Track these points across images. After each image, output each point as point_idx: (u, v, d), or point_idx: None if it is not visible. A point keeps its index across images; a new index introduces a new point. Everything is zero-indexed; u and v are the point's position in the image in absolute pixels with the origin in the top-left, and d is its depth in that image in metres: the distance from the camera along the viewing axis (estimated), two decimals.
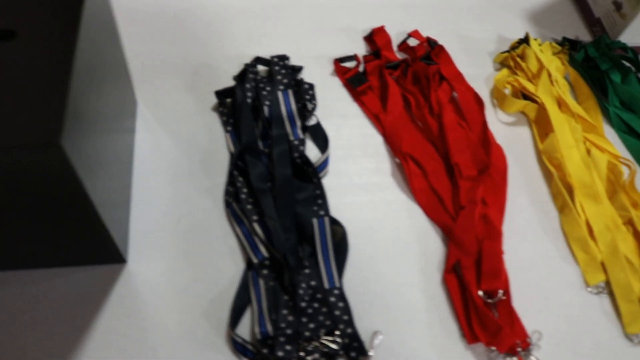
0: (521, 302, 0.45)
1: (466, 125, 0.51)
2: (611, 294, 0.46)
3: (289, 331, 0.40)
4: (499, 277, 0.43)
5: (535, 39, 0.56)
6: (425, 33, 0.57)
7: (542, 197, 0.50)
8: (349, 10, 0.59)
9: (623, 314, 0.45)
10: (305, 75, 0.53)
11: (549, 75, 0.52)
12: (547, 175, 0.51)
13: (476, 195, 0.46)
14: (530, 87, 0.53)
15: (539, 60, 0.53)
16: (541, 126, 0.52)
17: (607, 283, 0.46)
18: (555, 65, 0.54)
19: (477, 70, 0.56)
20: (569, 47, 0.58)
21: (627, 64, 0.57)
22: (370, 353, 0.41)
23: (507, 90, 0.55)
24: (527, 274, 0.46)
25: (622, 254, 0.47)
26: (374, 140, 0.50)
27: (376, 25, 0.57)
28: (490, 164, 0.48)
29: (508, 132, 0.53)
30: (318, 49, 0.55)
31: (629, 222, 0.49)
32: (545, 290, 0.46)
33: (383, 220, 0.47)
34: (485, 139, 0.49)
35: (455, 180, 0.47)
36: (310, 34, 0.56)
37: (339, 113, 0.52)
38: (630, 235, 0.48)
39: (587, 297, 0.47)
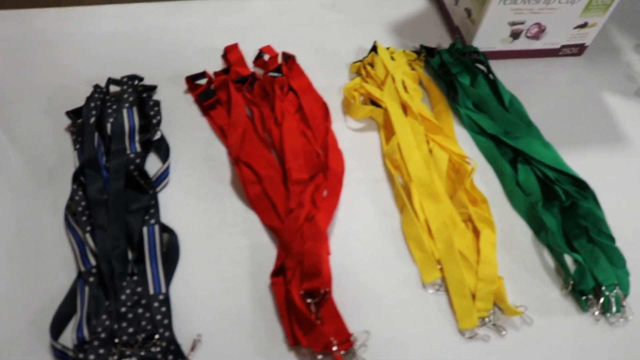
0: (355, 303, 0.45)
1: (311, 133, 0.52)
2: (447, 291, 0.46)
3: (103, 335, 0.40)
4: (319, 276, 0.43)
5: (388, 48, 0.58)
6: (287, 48, 0.59)
7: (385, 199, 0.50)
8: (211, 32, 0.61)
9: (456, 309, 0.45)
10: (161, 94, 0.55)
11: (394, 80, 0.54)
12: (392, 178, 0.51)
13: (304, 199, 0.47)
14: (376, 93, 0.54)
15: (385, 67, 0.55)
16: (387, 130, 0.53)
17: (445, 280, 0.47)
18: (403, 70, 0.55)
19: (334, 81, 0.57)
20: (425, 54, 0.60)
21: (482, 66, 0.58)
22: (190, 357, 0.42)
23: (362, 98, 0.56)
24: (363, 274, 0.46)
25: (457, 251, 0.47)
26: (217, 151, 0.52)
27: (242, 44, 0.59)
28: (327, 168, 0.49)
29: (356, 138, 0.54)
30: (176, 69, 0.57)
31: (469, 219, 0.49)
32: (381, 289, 0.46)
33: (219, 226, 0.47)
34: (325, 145, 0.51)
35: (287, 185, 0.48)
36: (169, 55, 0.58)
37: (187, 127, 0.53)
38: (469, 232, 0.48)
39: (423, 296, 0.46)
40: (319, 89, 0.56)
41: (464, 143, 0.55)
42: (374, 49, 0.57)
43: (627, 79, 0.63)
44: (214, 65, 0.58)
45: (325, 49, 0.60)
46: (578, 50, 0.62)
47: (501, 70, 0.60)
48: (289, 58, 0.57)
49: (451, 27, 0.63)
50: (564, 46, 0.61)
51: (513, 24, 0.57)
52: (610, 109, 0.60)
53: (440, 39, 0.63)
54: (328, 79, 0.57)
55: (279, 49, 0.59)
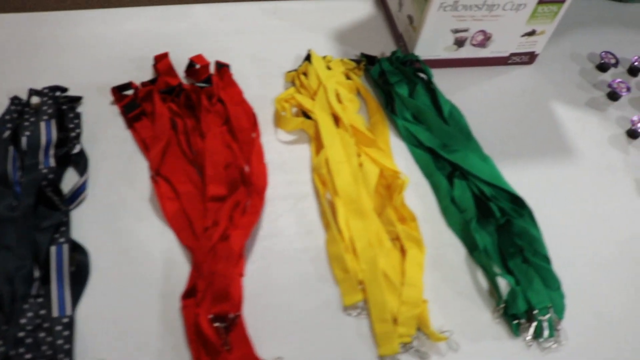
0: (271, 327, 0.43)
1: (237, 146, 0.50)
2: (369, 315, 0.43)
3: None
4: (228, 299, 0.41)
5: (325, 56, 0.56)
6: (224, 56, 0.57)
7: (311, 216, 0.48)
8: (148, 40, 0.59)
9: (377, 334, 0.42)
10: (87, 105, 0.53)
11: (326, 91, 0.51)
12: (319, 193, 0.49)
13: (220, 216, 0.45)
14: (307, 104, 0.52)
15: (318, 76, 0.53)
16: (318, 143, 0.51)
17: (367, 303, 0.44)
18: (338, 80, 0.53)
19: (269, 91, 0.55)
20: (366, 63, 0.57)
21: (423, 75, 0.56)
22: None
23: (295, 109, 0.54)
24: (282, 296, 0.44)
25: (380, 272, 0.44)
26: (140, 165, 0.49)
27: (179, 52, 0.57)
28: (249, 183, 0.47)
29: (286, 151, 0.52)
30: (107, 79, 0.54)
31: (397, 238, 0.47)
32: (300, 313, 0.44)
33: (134, 245, 0.45)
34: (249, 159, 0.49)
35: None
36: (101, 64, 0.56)
37: (110, 140, 0.51)
38: (396, 252, 0.46)
39: (343, 319, 0.44)
40: (253, 99, 0.54)
41: (401, 156, 0.52)
42: (308, 57, 0.55)
43: (579, 89, 0.61)
44: (147, 75, 0.56)
45: (263, 57, 0.58)
46: (528, 58, 0.60)
47: (446, 79, 0.58)
48: (222, 67, 0.55)
49: (396, 35, 0.61)
50: (513, 54, 0.59)
51: (456, 31, 0.55)
52: (560, 120, 0.58)
53: (385, 47, 0.60)
54: (263, 89, 0.55)
55: (216, 57, 0.57)
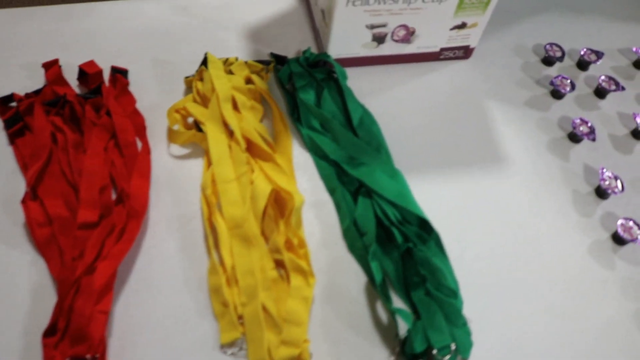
0: None
1: (123, 162, 0.46)
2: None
3: None
4: (86, 340, 0.37)
5: (227, 59, 0.50)
6: (125, 60, 0.52)
7: (197, 241, 0.44)
8: (45, 43, 0.54)
9: None
10: None
11: (219, 98, 0.46)
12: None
13: (88, 246, 0.41)
14: (198, 114, 0.47)
15: (211, 82, 0.48)
16: (209, 158, 0.46)
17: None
18: (236, 85, 0.48)
19: (169, 98, 0.50)
20: (276, 64, 0.52)
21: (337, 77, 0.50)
22: None
23: (191, 119, 0.49)
24: (154, 332, 0.40)
25: (260, 306, 0.40)
26: (19, 185, 0.45)
27: (78, 56, 0.53)
28: (127, 205, 0.43)
29: (177, 167, 0.47)
30: None
31: (283, 266, 0.42)
32: (172, 351, 0.39)
33: (1, 276, 0.41)
34: (131, 177, 0.45)
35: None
36: None
37: None
38: (283, 283, 0.42)
39: (219, 358, 0.40)
40: (150, 108, 0.49)
41: (306, 170, 0.47)
42: (205, 61, 0.50)
43: (520, 86, 0.54)
44: (40, 84, 0.51)
45: (167, 60, 0.53)
46: (463, 53, 0.53)
47: (370, 79, 0.52)
48: (117, 73, 0.51)
49: (315, 31, 0.55)
50: (444, 49, 0.52)
51: (372, 27, 0.48)
52: (493, 122, 0.51)
53: (305, 46, 0.55)
54: (162, 97, 0.50)
55: (117, 60, 0.52)
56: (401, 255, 0.42)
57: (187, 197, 0.45)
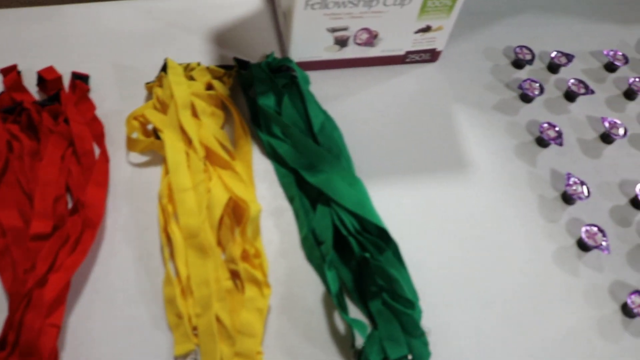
0: None
1: (80, 170, 0.45)
2: None
3: None
4: (36, 354, 0.37)
5: (188, 64, 0.50)
6: (86, 66, 0.51)
7: (153, 251, 0.43)
8: (6, 48, 0.52)
9: None
10: None
11: (176, 105, 0.46)
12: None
13: (40, 257, 0.40)
14: (156, 121, 0.46)
15: (170, 88, 0.47)
16: (167, 166, 0.46)
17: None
18: (196, 91, 0.47)
19: (130, 105, 0.49)
20: (239, 69, 0.51)
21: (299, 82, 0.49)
22: None
23: (151, 126, 0.48)
24: (108, 346, 0.39)
25: (214, 318, 0.39)
26: None
27: (36, 63, 0.51)
28: (82, 215, 0.43)
29: (136, 175, 0.46)
30: None
31: (239, 276, 0.42)
32: None
33: None
34: (85, 186, 0.44)
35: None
36: None
37: None
38: (238, 294, 0.41)
39: None
40: (111, 114, 0.48)
41: (267, 178, 0.47)
42: (165, 67, 0.49)
43: (489, 89, 0.53)
44: None
45: (129, 65, 0.52)
46: (430, 56, 0.52)
47: (334, 83, 0.52)
48: (78, 79, 0.50)
49: (279, 34, 0.54)
50: (409, 52, 0.51)
51: (333, 30, 0.48)
52: (460, 127, 0.51)
53: (269, 50, 0.54)
54: (123, 103, 0.49)
55: (79, 65, 0.51)
56: (359, 264, 0.42)
57: (145, 206, 0.45)
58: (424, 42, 0.50)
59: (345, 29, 0.48)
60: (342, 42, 0.49)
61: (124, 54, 0.53)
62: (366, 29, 0.48)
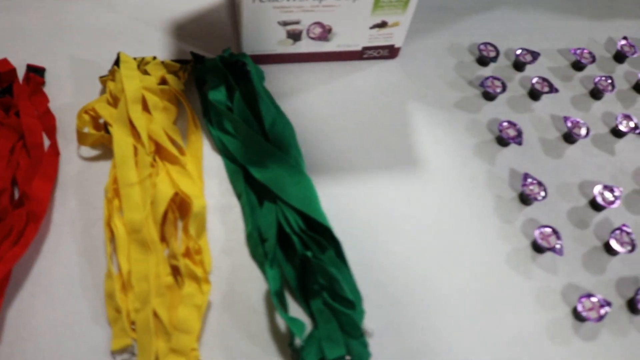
0: None
1: (29, 164, 0.45)
2: None
3: None
4: None
5: (143, 58, 0.49)
6: (42, 60, 0.51)
7: (98, 245, 0.43)
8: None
9: None
10: None
11: (125, 99, 0.45)
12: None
13: None
14: (106, 115, 0.46)
15: (121, 82, 0.46)
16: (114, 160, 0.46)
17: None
18: (148, 86, 0.46)
19: (85, 98, 0.49)
20: (195, 63, 0.50)
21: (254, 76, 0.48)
22: None
23: (102, 120, 0.48)
24: (45, 341, 0.39)
25: (151, 313, 0.39)
26: None
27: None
28: (26, 208, 0.42)
29: (86, 169, 0.46)
30: None
31: (180, 272, 0.41)
32: (65, 357, 0.38)
33: None
34: (31, 179, 0.44)
35: None
36: None
37: None
38: (178, 289, 0.41)
39: None
40: (65, 107, 0.48)
41: (218, 174, 0.46)
42: (117, 61, 0.48)
43: (451, 87, 0.52)
44: None
45: (87, 58, 0.52)
46: (388, 52, 0.52)
47: (290, 77, 0.51)
48: (32, 71, 0.50)
49: (237, 29, 0.53)
50: (366, 48, 0.51)
51: (285, 23, 0.47)
52: (419, 125, 0.50)
53: (229, 44, 0.53)
54: (79, 96, 0.49)
55: (36, 58, 0.51)
56: (302, 263, 0.41)
57: (94, 201, 0.45)
58: (380, 38, 0.50)
59: (297, 22, 0.47)
60: (294, 36, 0.48)
61: (83, 47, 0.53)
62: (319, 23, 0.47)
